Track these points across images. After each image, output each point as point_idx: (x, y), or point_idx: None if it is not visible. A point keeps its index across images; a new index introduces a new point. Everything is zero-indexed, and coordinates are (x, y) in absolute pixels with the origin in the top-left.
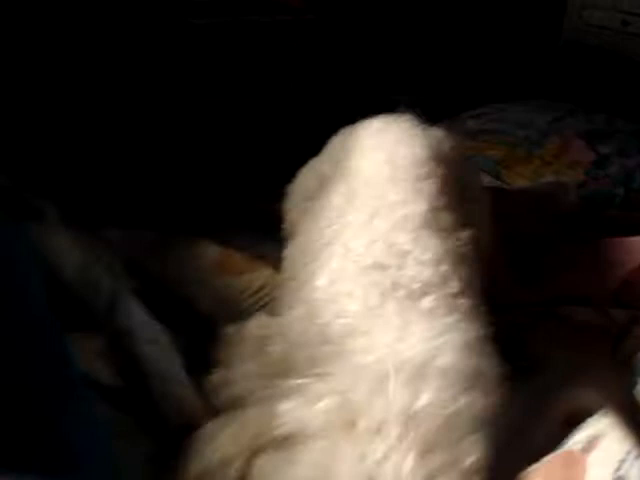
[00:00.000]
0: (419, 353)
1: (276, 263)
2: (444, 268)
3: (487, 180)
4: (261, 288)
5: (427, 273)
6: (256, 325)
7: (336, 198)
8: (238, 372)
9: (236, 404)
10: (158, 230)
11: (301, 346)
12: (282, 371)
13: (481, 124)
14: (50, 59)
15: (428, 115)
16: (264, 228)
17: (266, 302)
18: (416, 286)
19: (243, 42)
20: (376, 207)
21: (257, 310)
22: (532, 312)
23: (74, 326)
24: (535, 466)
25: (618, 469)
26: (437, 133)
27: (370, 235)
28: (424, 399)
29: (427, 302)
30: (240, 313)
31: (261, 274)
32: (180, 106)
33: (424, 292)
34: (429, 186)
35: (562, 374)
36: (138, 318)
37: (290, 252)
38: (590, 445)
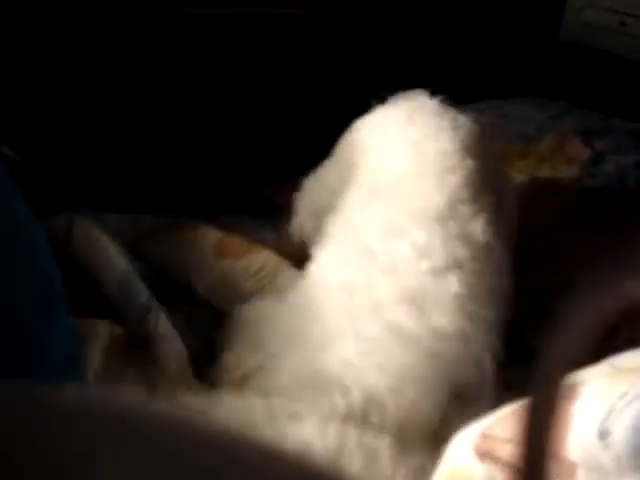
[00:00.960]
0: None
1: (275, 248)
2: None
3: None
4: (260, 270)
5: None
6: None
7: (353, 196)
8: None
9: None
10: (157, 214)
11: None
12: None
13: (486, 118)
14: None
15: None
16: (263, 215)
17: (265, 284)
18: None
19: (241, 35)
20: (395, 201)
21: (256, 291)
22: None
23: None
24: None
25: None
26: (465, 121)
27: (384, 226)
28: None
29: None
30: (239, 295)
31: (260, 256)
32: (178, 93)
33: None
34: (453, 179)
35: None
36: (168, 331)
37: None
38: (574, 394)
